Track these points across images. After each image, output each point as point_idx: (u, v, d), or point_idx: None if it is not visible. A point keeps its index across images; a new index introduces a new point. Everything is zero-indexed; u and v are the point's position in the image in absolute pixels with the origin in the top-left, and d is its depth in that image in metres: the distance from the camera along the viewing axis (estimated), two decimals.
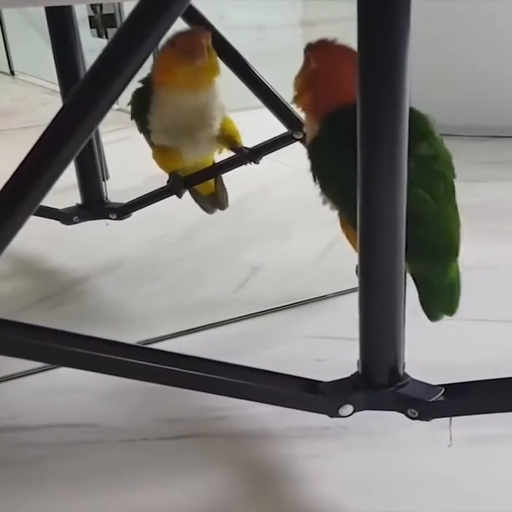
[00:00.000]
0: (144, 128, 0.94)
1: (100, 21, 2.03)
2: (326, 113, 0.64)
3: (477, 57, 1.67)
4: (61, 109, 0.46)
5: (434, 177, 0.63)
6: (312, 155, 0.66)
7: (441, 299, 0.66)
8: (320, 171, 0.66)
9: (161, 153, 0.96)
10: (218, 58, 0.90)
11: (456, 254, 0.64)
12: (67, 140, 0.45)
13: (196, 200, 1.04)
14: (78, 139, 0.45)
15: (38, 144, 0.46)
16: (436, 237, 0.63)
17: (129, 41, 0.44)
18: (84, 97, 0.45)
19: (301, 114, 0.69)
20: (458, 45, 1.68)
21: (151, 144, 0.96)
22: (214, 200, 1.04)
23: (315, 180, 0.67)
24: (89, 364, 0.57)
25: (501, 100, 1.68)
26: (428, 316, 0.66)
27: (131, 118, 0.95)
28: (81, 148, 0.45)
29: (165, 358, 0.59)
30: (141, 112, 0.92)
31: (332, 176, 0.64)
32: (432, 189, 0.63)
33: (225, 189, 1.03)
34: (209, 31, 0.87)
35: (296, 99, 0.68)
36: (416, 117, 0.59)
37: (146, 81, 0.91)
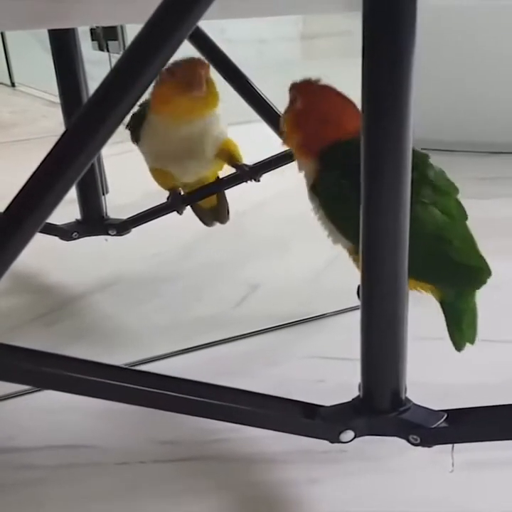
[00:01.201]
0: (138, 147, 0.94)
1: (101, 34, 2.02)
2: (319, 152, 0.65)
3: (476, 75, 1.67)
4: (66, 131, 0.45)
5: (446, 198, 0.64)
6: (319, 195, 0.66)
7: (466, 324, 0.65)
8: (330, 209, 0.66)
9: (156, 173, 0.96)
10: (217, 88, 0.89)
11: (489, 274, 0.63)
12: (72, 162, 0.45)
13: (196, 213, 1.03)
14: (83, 160, 0.45)
15: (42, 164, 0.45)
16: (462, 253, 0.63)
17: (136, 62, 0.43)
18: (89, 118, 0.45)
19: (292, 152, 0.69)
20: (457, 63, 1.68)
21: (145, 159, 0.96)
22: (215, 214, 1.03)
23: (325, 219, 0.66)
24: (80, 388, 0.56)
25: (501, 116, 1.68)
26: (455, 346, 0.65)
27: (130, 137, 0.95)
28: (85, 170, 0.45)
29: (158, 382, 0.58)
30: (136, 134, 0.92)
31: (344, 212, 0.64)
32: (448, 210, 0.63)
33: (227, 203, 1.02)
34: (208, 63, 0.86)
35: (286, 139, 0.69)
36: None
37: (143, 104, 0.91)
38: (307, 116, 0.66)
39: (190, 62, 0.84)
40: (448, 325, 0.65)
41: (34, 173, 0.45)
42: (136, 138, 0.93)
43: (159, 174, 0.95)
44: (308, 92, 0.67)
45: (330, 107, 0.66)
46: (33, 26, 0.46)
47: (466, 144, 1.67)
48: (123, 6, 0.48)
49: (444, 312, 0.65)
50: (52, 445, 0.75)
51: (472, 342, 0.66)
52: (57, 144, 0.45)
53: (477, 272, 0.63)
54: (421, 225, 0.59)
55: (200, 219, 1.03)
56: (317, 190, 0.66)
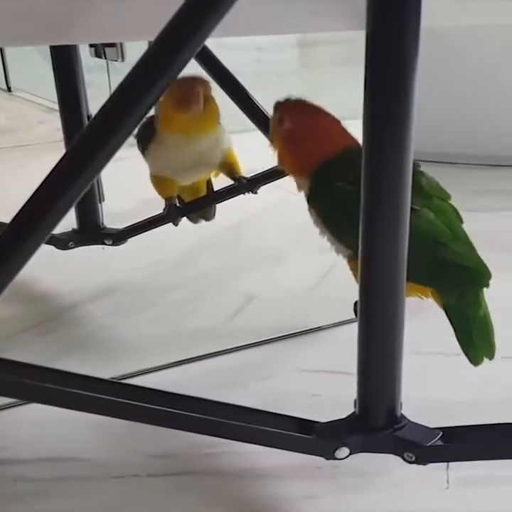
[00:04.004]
0: (142, 154, 0.94)
1: None
2: (312, 170, 0.66)
3: (476, 89, 1.68)
4: (72, 146, 0.45)
5: (440, 202, 0.65)
6: (316, 210, 0.67)
7: (477, 334, 0.64)
8: (329, 223, 0.67)
9: (158, 181, 0.96)
10: (218, 107, 0.89)
11: (489, 276, 0.63)
12: (77, 177, 0.45)
13: None
14: (88, 176, 0.45)
15: (47, 179, 0.45)
16: (460, 255, 0.63)
17: (142, 81, 0.43)
18: (95, 135, 0.44)
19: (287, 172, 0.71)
20: (458, 78, 1.69)
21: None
22: (201, 211, 1.03)
23: (326, 231, 0.68)
24: (72, 403, 0.56)
25: (500, 129, 1.69)
26: (470, 359, 0.64)
27: (137, 144, 0.95)
28: (90, 185, 0.45)
29: (151, 397, 0.58)
30: (142, 139, 0.93)
31: (343, 224, 0.65)
32: (441, 214, 0.64)
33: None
34: (207, 81, 0.87)
35: (278, 159, 0.70)
36: None
37: (152, 116, 0.91)
38: (297, 136, 0.67)
39: (189, 79, 0.85)
40: (457, 337, 0.64)
41: (38, 188, 0.45)
42: (143, 148, 0.93)
43: (160, 181, 0.96)
44: (295, 113, 0.68)
45: (318, 125, 0.67)
46: (34, 43, 0.46)
47: (465, 157, 1.67)
48: (126, 24, 0.48)
49: (451, 322, 0.64)
50: (45, 458, 0.74)
51: (490, 356, 0.64)
52: (61, 160, 0.45)
53: (474, 274, 0.63)
54: (414, 229, 0.59)
55: (187, 216, 1.03)
56: (314, 203, 0.67)
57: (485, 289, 0.65)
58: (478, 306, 0.64)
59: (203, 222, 1.02)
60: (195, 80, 0.86)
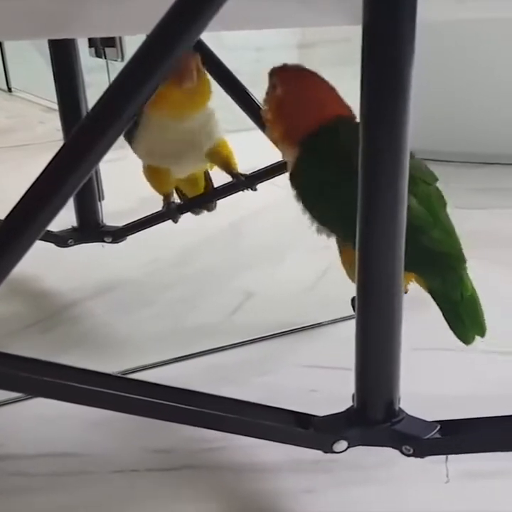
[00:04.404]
0: (130, 144, 0.93)
1: (99, 41, 2.02)
2: (300, 140, 0.63)
3: (472, 87, 1.68)
4: (67, 141, 0.46)
5: (424, 186, 0.64)
6: (296, 181, 0.65)
7: (466, 315, 0.64)
8: (307, 197, 0.65)
9: (151, 173, 0.94)
10: (210, 81, 0.87)
11: (464, 260, 0.63)
12: (72, 172, 0.45)
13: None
14: (84, 170, 0.45)
15: (43, 173, 0.45)
16: (439, 243, 0.63)
17: (137, 75, 0.43)
18: (90, 129, 0.45)
19: (277, 142, 0.68)
20: (453, 76, 1.69)
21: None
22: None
23: (304, 208, 0.66)
24: (73, 396, 0.56)
25: (496, 128, 1.69)
26: (460, 339, 0.64)
27: (125, 139, 0.94)
28: (85, 180, 0.45)
29: (151, 391, 0.58)
30: (130, 134, 0.90)
31: (320, 198, 0.63)
32: (425, 199, 0.63)
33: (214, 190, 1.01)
34: (198, 54, 0.84)
35: (268, 128, 0.68)
36: None
37: None
38: (288, 104, 0.65)
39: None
40: (446, 319, 0.64)
41: (35, 182, 0.45)
42: (130, 137, 0.90)
43: (154, 173, 0.94)
44: (288, 79, 0.66)
45: (311, 92, 0.64)
46: (33, 36, 0.47)
47: (460, 155, 1.68)
48: (124, 17, 0.48)
49: (437, 304, 0.64)
50: (45, 453, 0.74)
51: (481, 334, 0.64)
52: (58, 153, 0.45)
53: (449, 258, 0.63)
54: None
55: None
56: (294, 177, 0.66)
57: (471, 272, 0.64)
58: (464, 287, 0.63)
59: (204, 214, 1.01)
60: (185, 54, 0.83)
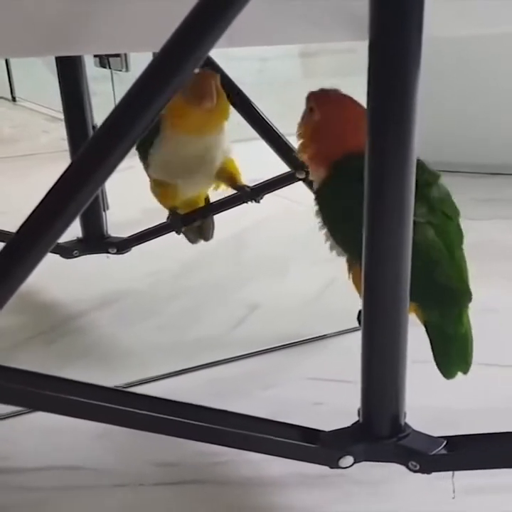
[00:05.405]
0: (144, 160, 0.94)
1: None
2: (332, 161, 0.65)
3: (477, 99, 1.69)
4: (78, 156, 0.46)
5: (444, 219, 0.64)
6: (321, 200, 0.67)
7: (456, 351, 0.64)
8: (329, 216, 0.66)
9: (158, 187, 0.95)
10: (228, 101, 0.89)
11: (469, 299, 0.64)
12: (83, 187, 0.45)
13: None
14: (94, 185, 0.45)
15: (53, 188, 0.45)
16: (450, 278, 0.63)
17: (147, 89, 0.44)
18: (101, 144, 0.45)
19: (306, 162, 0.70)
20: (458, 88, 1.70)
21: (149, 176, 0.96)
22: (200, 231, 1.03)
23: (323, 225, 0.67)
24: (77, 411, 0.56)
25: (500, 138, 1.69)
26: (443, 373, 0.65)
27: (136, 148, 0.94)
28: (96, 194, 0.45)
29: (155, 405, 0.58)
30: (144, 144, 0.92)
31: (342, 219, 0.65)
32: (443, 232, 0.63)
33: (213, 221, 1.03)
34: (218, 74, 0.86)
35: (302, 150, 0.69)
36: (420, 165, 0.60)
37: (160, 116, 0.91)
38: (324, 129, 0.67)
39: (200, 74, 0.84)
40: (434, 350, 0.64)
41: (45, 196, 0.45)
42: (145, 151, 0.92)
43: (162, 189, 0.95)
44: (325, 104, 0.68)
45: (347, 119, 0.66)
46: (40, 54, 0.47)
47: (464, 165, 1.68)
48: (131, 35, 0.49)
49: (429, 336, 0.64)
50: (50, 466, 0.74)
51: (465, 371, 0.65)
52: (69, 167, 0.45)
53: (455, 293, 0.63)
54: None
55: (185, 235, 1.03)
56: (319, 197, 0.67)
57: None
58: (460, 324, 0.64)
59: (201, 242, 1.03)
60: (205, 73, 0.84)
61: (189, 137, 0.88)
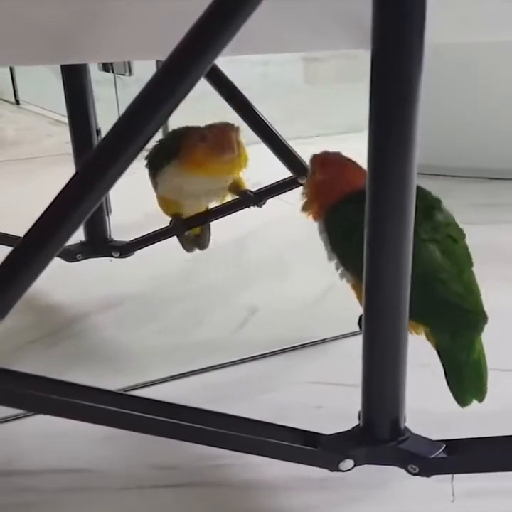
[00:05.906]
0: (153, 178, 0.96)
1: None
2: (331, 204, 0.69)
3: (476, 104, 1.70)
4: (84, 164, 0.46)
5: (450, 242, 0.65)
6: (327, 232, 0.70)
7: (468, 379, 0.64)
8: (336, 246, 0.69)
9: (165, 202, 0.98)
10: (247, 152, 0.92)
11: (484, 320, 0.63)
12: (89, 193, 0.46)
13: (178, 239, 1.04)
14: (100, 191, 0.46)
15: (60, 195, 0.46)
16: (459, 297, 0.63)
17: (155, 97, 0.44)
18: (108, 151, 0.46)
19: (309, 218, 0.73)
20: (457, 91, 1.70)
21: (156, 193, 0.98)
22: (197, 240, 1.04)
23: (331, 256, 0.70)
24: (79, 414, 0.56)
25: (500, 143, 1.70)
26: (457, 400, 0.64)
27: (146, 165, 0.96)
28: (101, 200, 0.46)
29: (157, 408, 0.58)
30: (155, 164, 0.95)
31: (348, 250, 0.67)
32: (450, 252, 0.64)
33: (210, 230, 1.04)
34: (239, 126, 0.89)
35: (306, 208, 0.73)
36: (423, 190, 0.63)
37: (173, 140, 0.92)
38: (324, 185, 0.71)
39: (222, 126, 0.87)
40: (447, 377, 0.64)
41: (52, 202, 0.46)
42: (155, 174, 0.95)
43: (168, 203, 0.98)
44: (326, 165, 0.73)
45: (345, 179, 0.70)
46: (44, 62, 0.47)
47: (462, 170, 1.68)
48: (136, 44, 0.49)
49: (442, 362, 0.64)
50: (51, 469, 0.74)
51: (480, 399, 0.64)
52: (75, 175, 0.46)
53: (469, 316, 0.63)
54: (417, 260, 0.58)
55: (181, 244, 1.04)
56: (327, 225, 0.69)
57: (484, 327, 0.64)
58: (473, 349, 0.64)
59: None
60: (228, 126, 0.88)
61: (205, 177, 0.91)
